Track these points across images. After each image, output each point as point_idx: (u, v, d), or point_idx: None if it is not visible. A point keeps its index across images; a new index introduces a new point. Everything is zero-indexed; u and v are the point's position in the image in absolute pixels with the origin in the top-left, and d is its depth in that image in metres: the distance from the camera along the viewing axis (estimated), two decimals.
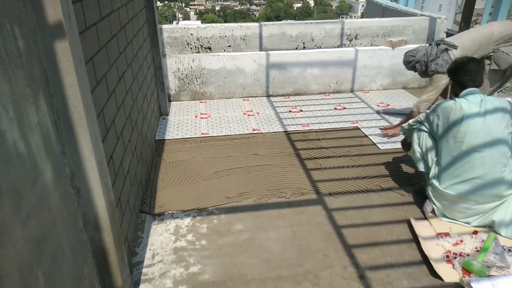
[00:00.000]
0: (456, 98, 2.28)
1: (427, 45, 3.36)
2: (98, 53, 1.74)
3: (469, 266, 1.94)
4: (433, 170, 2.33)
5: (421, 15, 5.92)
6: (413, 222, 2.30)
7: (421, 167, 2.43)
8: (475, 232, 2.22)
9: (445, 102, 2.29)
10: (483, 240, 2.15)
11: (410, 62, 3.36)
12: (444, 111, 2.25)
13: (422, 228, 2.26)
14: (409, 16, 6.02)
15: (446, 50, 3.19)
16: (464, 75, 2.30)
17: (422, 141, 2.40)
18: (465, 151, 2.16)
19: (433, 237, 2.21)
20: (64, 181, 1.29)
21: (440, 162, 2.28)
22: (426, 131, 2.38)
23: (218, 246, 2.19)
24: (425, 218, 2.37)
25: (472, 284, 1.80)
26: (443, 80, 3.22)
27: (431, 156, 2.35)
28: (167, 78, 4.27)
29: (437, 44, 3.26)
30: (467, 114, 2.17)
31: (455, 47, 3.19)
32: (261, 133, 3.62)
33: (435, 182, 2.30)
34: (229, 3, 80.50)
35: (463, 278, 1.87)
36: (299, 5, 72.38)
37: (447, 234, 2.21)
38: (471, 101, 2.20)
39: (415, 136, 2.44)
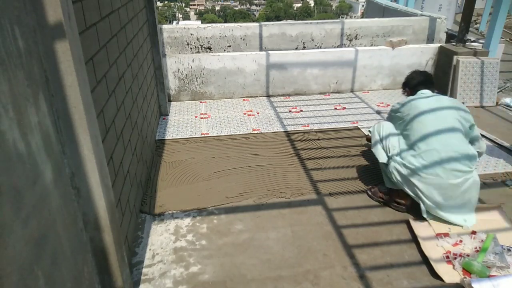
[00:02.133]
0: (412, 96, 2.58)
1: None
2: (98, 53, 1.74)
3: (470, 267, 1.94)
4: (397, 155, 2.43)
5: (421, 15, 5.92)
6: (412, 222, 2.30)
7: (383, 158, 2.51)
8: (474, 232, 2.22)
9: (406, 100, 2.56)
10: (482, 240, 2.15)
11: None
12: (406, 107, 2.50)
13: (421, 228, 2.26)
14: (409, 16, 6.02)
15: None
16: (414, 81, 2.68)
17: (382, 131, 2.56)
18: (422, 136, 2.33)
19: (432, 237, 2.21)
20: (64, 181, 1.29)
21: (402, 148, 2.43)
22: (387, 125, 2.59)
23: (218, 246, 2.19)
24: (424, 219, 2.37)
25: (473, 285, 1.79)
26: None
27: (392, 144, 2.47)
28: (167, 78, 4.27)
29: None
30: (424, 106, 2.42)
31: None
32: (261, 133, 3.62)
33: (399, 160, 2.39)
34: (229, 3, 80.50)
35: (464, 279, 1.87)
36: (299, 5, 72.39)
37: (446, 235, 2.21)
38: (425, 97, 2.49)
39: (375, 130, 2.62)
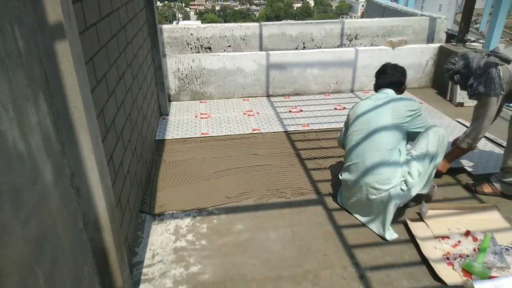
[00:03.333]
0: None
1: (477, 53, 2.64)
2: (98, 53, 1.74)
3: (470, 268, 1.93)
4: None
5: (421, 15, 5.92)
6: (409, 223, 2.30)
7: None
8: (468, 233, 2.22)
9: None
10: (480, 239, 2.15)
11: (449, 71, 2.68)
12: (351, 110, 2.48)
13: (419, 230, 2.26)
14: (409, 16, 6.03)
15: (496, 65, 2.44)
16: (381, 78, 2.45)
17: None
18: (354, 141, 2.35)
19: (431, 238, 2.21)
20: (64, 181, 1.29)
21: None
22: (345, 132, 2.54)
23: (218, 246, 2.19)
24: (422, 220, 2.37)
25: (475, 286, 1.78)
26: (493, 104, 2.49)
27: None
28: (167, 78, 4.27)
29: (488, 55, 2.53)
30: (362, 107, 2.37)
31: (508, 61, 2.46)
32: (261, 133, 3.62)
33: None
34: (229, 3, 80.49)
35: (467, 281, 1.86)
36: (299, 5, 72.38)
37: (445, 237, 2.20)
38: (373, 98, 2.38)
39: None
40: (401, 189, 2.18)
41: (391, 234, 2.23)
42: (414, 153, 2.23)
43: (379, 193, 2.21)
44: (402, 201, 2.24)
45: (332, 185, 2.76)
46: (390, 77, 2.41)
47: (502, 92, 2.46)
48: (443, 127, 2.60)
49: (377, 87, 2.48)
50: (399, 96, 2.39)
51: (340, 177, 2.45)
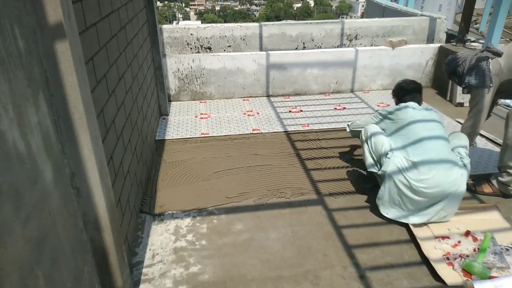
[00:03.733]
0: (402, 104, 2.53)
1: (470, 52, 2.70)
2: (98, 53, 1.74)
3: (470, 268, 1.93)
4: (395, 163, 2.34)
5: (421, 15, 5.92)
6: (410, 224, 2.29)
7: (375, 169, 2.47)
8: (468, 233, 2.22)
9: (400, 106, 2.50)
10: (480, 240, 2.15)
11: (447, 71, 2.77)
12: (401, 112, 2.46)
13: (419, 230, 2.26)
14: (409, 16, 6.03)
15: (487, 58, 2.52)
16: (405, 94, 2.59)
17: (375, 145, 2.47)
18: (415, 141, 2.33)
19: (431, 238, 2.21)
20: (64, 181, 1.29)
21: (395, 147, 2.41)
22: (381, 134, 2.50)
23: (218, 246, 2.19)
24: None
25: (476, 287, 1.78)
26: (483, 96, 2.57)
27: (381, 143, 2.43)
28: (167, 78, 4.27)
29: (482, 51, 2.63)
30: (417, 115, 2.42)
31: (499, 54, 2.52)
32: (261, 133, 3.62)
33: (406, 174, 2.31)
34: (229, 3, 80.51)
35: (467, 281, 1.86)
36: (299, 5, 72.39)
37: (445, 237, 2.20)
38: (413, 107, 2.47)
39: (367, 142, 2.54)
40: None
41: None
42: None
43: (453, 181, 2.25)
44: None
45: (332, 185, 2.76)
46: (412, 94, 2.58)
47: (491, 84, 2.51)
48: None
49: (400, 100, 2.62)
50: (428, 107, 2.56)
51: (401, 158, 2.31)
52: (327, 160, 3.12)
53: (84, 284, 1.39)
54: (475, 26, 8.26)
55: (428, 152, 2.26)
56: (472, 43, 4.65)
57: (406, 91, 2.60)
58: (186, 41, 5.33)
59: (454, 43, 4.63)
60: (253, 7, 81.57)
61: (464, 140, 2.49)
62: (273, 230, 2.32)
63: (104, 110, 1.78)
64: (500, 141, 3.35)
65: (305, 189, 2.72)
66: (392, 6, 6.86)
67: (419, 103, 2.57)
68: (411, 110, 2.45)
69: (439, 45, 4.68)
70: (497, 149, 3.25)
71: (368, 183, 2.77)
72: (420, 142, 2.31)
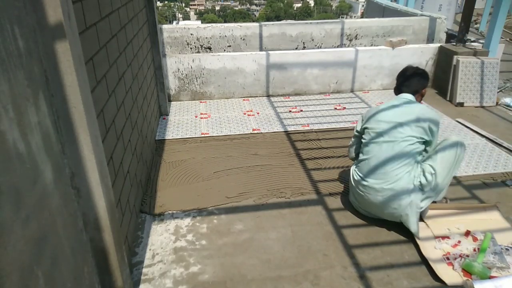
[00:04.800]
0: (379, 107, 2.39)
1: None
2: (98, 53, 1.74)
3: (470, 268, 1.93)
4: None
5: (421, 15, 5.92)
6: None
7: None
8: (468, 233, 2.22)
9: (365, 120, 2.40)
10: (480, 239, 2.15)
11: None
12: (366, 113, 2.41)
13: (419, 230, 2.25)
14: (409, 16, 6.02)
15: None
16: (400, 81, 2.38)
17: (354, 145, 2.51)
18: (369, 143, 2.29)
19: (431, 238, 2.21)
20: (64, 181, 1.29)
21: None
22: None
23: (218, 246, 2.19)
24: (422, 220, 2.36)
25: (476, 287, 1.78)
26: None
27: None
28: (167, 78, 4.27)
29: None
30: (380, 112, 2.30)
31: None
32: (261, 133, 3.62)
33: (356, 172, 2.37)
34: (229, 3, 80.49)
35: (467, 281, 1.85)
36: (299, 5, 72.38)
37: (445, 237, 2.20)
38: (391, 103, 2.31)
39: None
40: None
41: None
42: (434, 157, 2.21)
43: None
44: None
45: (332, 185, 2.76)
46: (410, 81, 2.34)
47: None
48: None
49: (397, 91, 2.41)
50: (424, 106, 2.30)
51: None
52: (327, 160, 3.12)
53: (84, 284, 1.39)
54: (475, 26, 8.26)
55: (377, 175, 2.22)
56: (472, 43, 4.65)
57: (405, 78, 2.36)
58: (186, 41, 5.33)
59: (454, 43, 4.63)
60: (253, 7, 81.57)
61: (445, 154, 2.20)
62: (273, 230, 2.32)
63: (104, 110, 1.78)
64: (500, 141, 3.35)
65: (305, 189, 2.72)
66: (392, 6, 6.86)
67: (418, 90, 2.34)
68: (382, 114, 2.28)
69: (439, 45, 4.68)
70: (497, 149, 3.25)
71: None
72: (372, 164, 2.24)
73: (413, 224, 2.18)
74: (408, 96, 2.32)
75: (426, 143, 2.24)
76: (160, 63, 3.75)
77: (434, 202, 2.35)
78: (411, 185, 2.15)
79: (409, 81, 2.35)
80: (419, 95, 2.38)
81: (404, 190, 2.15)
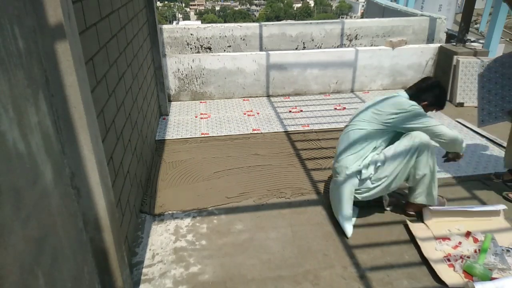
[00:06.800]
0: None
1: None
2: (98, 53, 1.74)
3: (472, 270, 1.92)
4: None
5: (421, 15, 5.92)
6: (409, 224, 2.29)
7: None
8: (468, 234, 2.21)
9: None
10: (481, 241, 2.14)
11: None
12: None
13: (419, 230, 2.25)
14: (409, 16, 6.02)
15: None
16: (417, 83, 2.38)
17: None
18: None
19: (431, 239, 2.20)
20: (64, 181, 1.29)
21: None
22: None
23: (218, 246, 2.19)
24: (422, 221, 2.36)
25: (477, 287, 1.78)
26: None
27: None
28: (167, 78, 4.27)
29: None
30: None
31: None
32: (261, 133, 3.62)
33: None
34: (229, 3, 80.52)
35: (468, 283, 1.85)
36: (299, 5, 72.41)
37: (446, 239, 2.19)
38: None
39: None
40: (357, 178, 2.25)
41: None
42: (385, 152, 2.22)
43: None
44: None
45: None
46: (420, 85, 2.31)
47: None
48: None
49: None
50: (395, 94, 2.33)
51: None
52: (327, 160, 3.12)
53: (84, 284, 1.39)
54: (475, 26, 8.26)
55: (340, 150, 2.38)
56: (472, 43, 4.65)
57: (422, 80, 2.36)
58: (186, 41, 5.33)
59: (454, 43, 4.63)
60: (253, 7, 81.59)
61: (397, 149, 2.18)
62: (273, 230, 2.32)
63: (104, 110, 1.78)
64: (500, 141, 3.35)
65: (305, 189, 2.72)
66: (392, 6, 6.86)
67: (419, 96, 2.27)
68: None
69: (439, 45, 4.68)
70: (497, 149, 3.25)
71: None
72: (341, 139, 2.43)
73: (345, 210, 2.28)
74: (401, 93, 2.34)
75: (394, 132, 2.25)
76: (160, 63, 3.75)
77: (429, 206, 2.34)
78: (354, 169, 2.24)
79: (420, 85, 2.31)
80: (425, 105, 2.26)
81: (348, 174, 2.27)
